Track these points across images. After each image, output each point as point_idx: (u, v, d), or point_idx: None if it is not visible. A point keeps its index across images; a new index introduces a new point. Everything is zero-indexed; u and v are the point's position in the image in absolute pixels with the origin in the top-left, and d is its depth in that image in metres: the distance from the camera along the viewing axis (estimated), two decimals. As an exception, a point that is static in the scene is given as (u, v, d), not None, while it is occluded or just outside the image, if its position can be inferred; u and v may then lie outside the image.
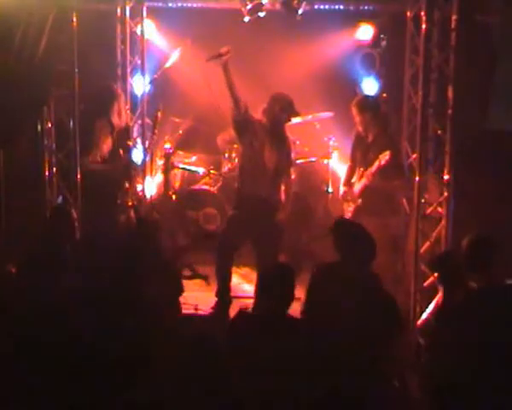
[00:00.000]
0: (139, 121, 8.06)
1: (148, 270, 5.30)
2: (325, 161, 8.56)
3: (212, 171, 8.86)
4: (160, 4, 8.08)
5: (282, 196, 7.11)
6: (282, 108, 6.96)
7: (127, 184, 7.26)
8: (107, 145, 7.13)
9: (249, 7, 7.32)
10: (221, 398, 3.97)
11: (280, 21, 7.88)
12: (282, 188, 7.11)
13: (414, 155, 7.22)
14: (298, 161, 8.34)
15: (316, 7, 7.65)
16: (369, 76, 8.91)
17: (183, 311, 6.15)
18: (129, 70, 8.02)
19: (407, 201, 7.41)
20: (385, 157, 7.00)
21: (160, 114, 7.38)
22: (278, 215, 6.99)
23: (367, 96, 7.86)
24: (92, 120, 7.13)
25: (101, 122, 7.19)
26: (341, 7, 8.06)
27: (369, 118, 7.34)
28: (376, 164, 7.10)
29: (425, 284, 6.96)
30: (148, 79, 8.12)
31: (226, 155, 8.76)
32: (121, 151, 7.19)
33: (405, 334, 5.80)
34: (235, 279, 7.66)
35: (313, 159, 8.77)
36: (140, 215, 6.77)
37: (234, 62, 8.50)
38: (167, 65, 8.32)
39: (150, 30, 8.23)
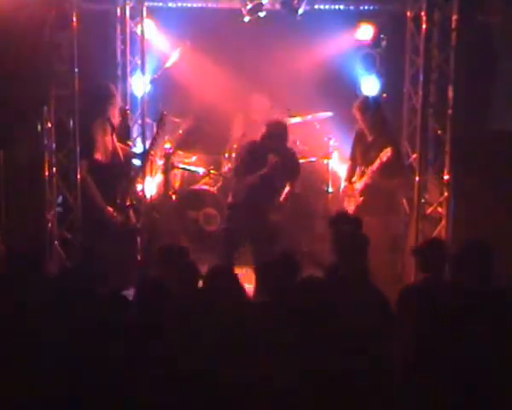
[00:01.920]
0: (139, 121, 8.07)
1: None
2: (325, 161, 8.55)
3: (212, 171, 8.84)
4: (160, 4, 8.10)
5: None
6: (270, 136, 7.02)
7: (127, 184, 7.23)
8: (108, 145, 7.11)
9: (249, 7, 7.34)
10: None
11: (280, 21, 7.89)
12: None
13: (414, 155, 7.22)
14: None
15: (316, 7, 7.66)
16: (370, 76, 8.90)
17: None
18: (129, 70, 8.03)
19: (407, 201, 7.41)
20: (386, 154, 6.98)
21: (164, 119, 7.33)
22: (272, 217, 6.99)
23: (368, 97, 7.86)
24: (91, 119, 7.10)
25: (101, 121, 7.16)
26: (341, 7, 8.08)
27: (370, 118, 7.34)
28: (378, 162, 7.08)
29: (425, 284, 6.96)
30: (148, 78, 8.13)
31: (226, 155, 8.77)
32: (120, 150, 7.17)
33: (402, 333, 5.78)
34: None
35: (313, 159, 8.75)
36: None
37: (234, 62, 8.56)
38: (167, 65, 8.33)
39: (150, 30, 8.22)
